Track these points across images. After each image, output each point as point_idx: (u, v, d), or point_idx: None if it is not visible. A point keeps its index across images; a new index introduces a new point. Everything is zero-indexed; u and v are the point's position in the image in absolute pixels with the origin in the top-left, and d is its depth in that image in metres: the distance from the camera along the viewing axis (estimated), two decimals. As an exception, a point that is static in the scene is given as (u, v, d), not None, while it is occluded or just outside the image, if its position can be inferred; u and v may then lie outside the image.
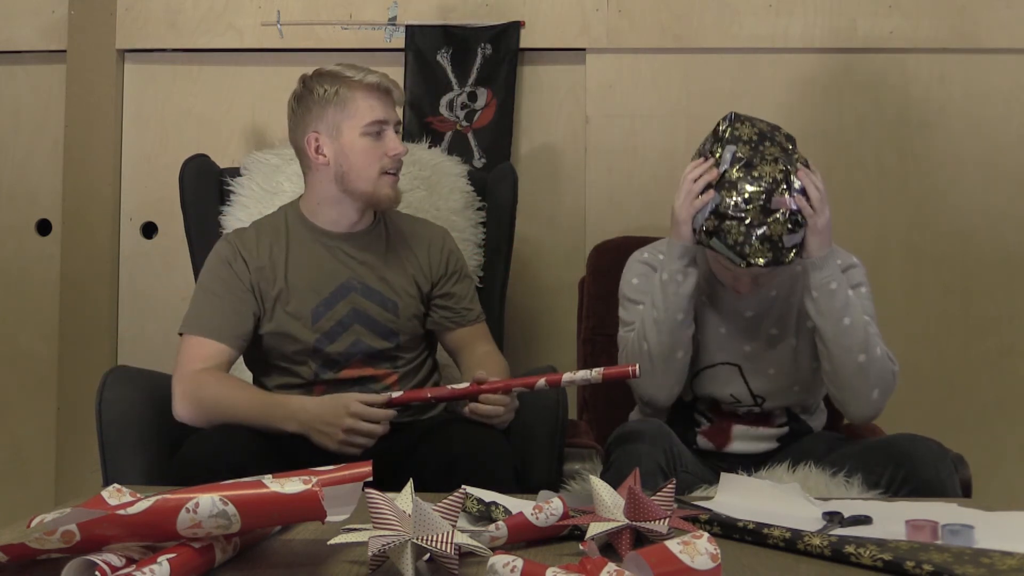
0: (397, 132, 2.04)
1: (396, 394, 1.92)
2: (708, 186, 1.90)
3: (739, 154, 1.90)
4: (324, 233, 2.07)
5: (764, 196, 1.86)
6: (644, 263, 2.09)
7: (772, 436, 2.09)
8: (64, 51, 2.83)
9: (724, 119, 1.95)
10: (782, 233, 1.86)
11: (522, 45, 2.76)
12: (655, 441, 1.86)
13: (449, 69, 2.77)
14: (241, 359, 2.08)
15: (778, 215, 1.86)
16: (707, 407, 2.10)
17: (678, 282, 1.96)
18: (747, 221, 1.85)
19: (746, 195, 1.86)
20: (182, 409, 1.91)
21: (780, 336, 2.06)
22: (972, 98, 2.72)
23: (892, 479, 1.86)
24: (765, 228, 1.85)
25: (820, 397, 2.14)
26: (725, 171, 1.89)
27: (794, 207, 1.86)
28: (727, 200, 1.87)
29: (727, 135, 1.93)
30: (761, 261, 1.86)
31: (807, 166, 1.93)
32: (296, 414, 1.86)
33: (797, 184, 1.87)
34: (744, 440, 2.08)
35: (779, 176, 1.87)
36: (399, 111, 2.07)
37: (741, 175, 1.88)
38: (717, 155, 1.92)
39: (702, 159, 1.94)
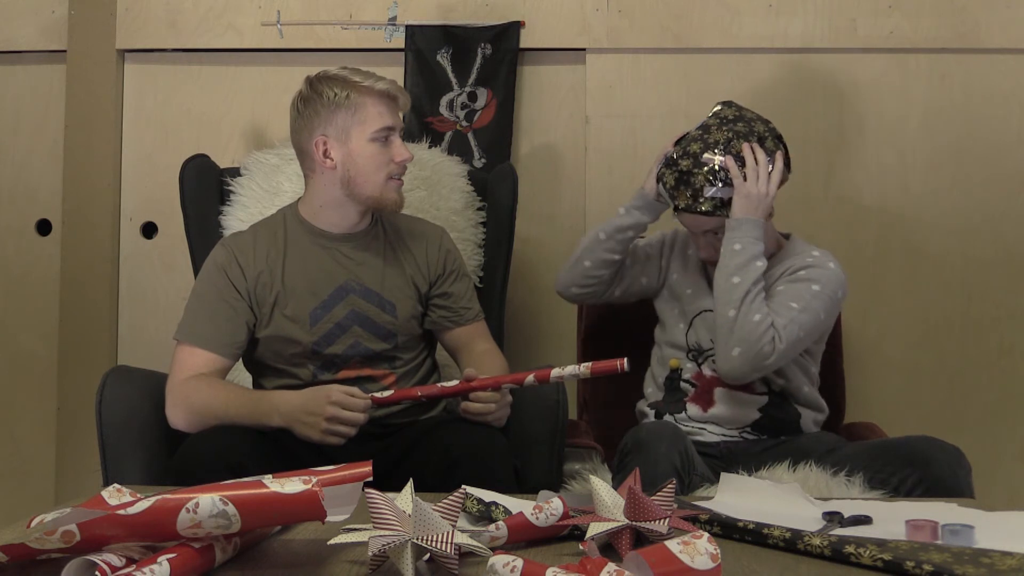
0: (401, 138, 2.05)
1: (387, 393, 1.93)
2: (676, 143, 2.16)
3: (707, 122, 2.14)
4: (322, 235, 2.07)
5: (700, 150, 2.08)
6: (659, 235, 2.34)
7: (752, 404, 2.13)
8: (64, 51, 2.83)
9: (719, 102, 2.19)
10: (703, 184, 2.06)
11: (522, 45, 2.76)
12: (672, 444, 1.88)
13: (449, 69, 2.77)
14: (240, 361, 2.08)
15: (704, 168, 2.06)
16: (693, 374, 2.17)
17: (619, 214, 2.23)
18: (680, 168, 2.09)
19: (688, 148, 2.10)
20: (175, 417, 1.93)
21: None
22: (972, 98, 2.72)
23: (904, 480, 1.86)
24: (692, 178, 2.07)
25: (801, 383, 2.16)
26: (688, 131, 2.15)
27: (722, 165, 2.05)
28: (675, 152, 2.12)
29: (711, 112, 2.17)
30: (681, 205, 2.10)
31: (771, 152, 2.07)
32: (279, 407, 1.87)
33: (737, 150, 2.06)
34: (725, 403, 2.14)
35: (721, 139, 2.08)
36: (402, 116, 2.09)
37: (696, 135, 2.12)
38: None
39: None
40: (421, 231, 2.16)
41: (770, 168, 2.06)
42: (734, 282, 2.02)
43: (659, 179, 2.14)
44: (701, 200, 2.07)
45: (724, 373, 2.05)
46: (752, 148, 2.06)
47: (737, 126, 2.09)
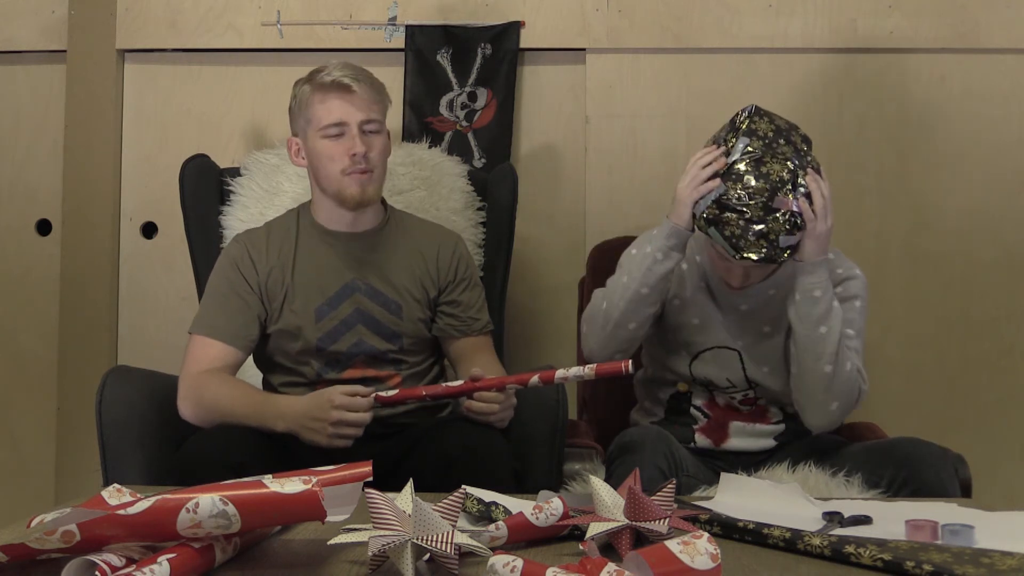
0: (370, 131, 1.99)
1: (391, 392, 1.92)
2: (715, 175, 1.91)
3: (751, 147, 1.90)
4: (330, 233, 2.07)
5: (768, 193, 1.87)
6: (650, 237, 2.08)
7: (769, 433, 2.09)
8: (64, 51, 2.83)
9: (744, 110, 1.96)
10: (780, 232, 1.87)
11: (522, 45, 2.76)
12: (656, 448, 1.87)
13: (449, 69, 2.77)
14: (251, 357, 2.09)
15: (778, 215, 1.87)
16: (704, 401, 2.10)
17: (657, 259, 1.97)
18: (747, 216, 1.87)
19: (751, 190, 1.87)
20: (184, 409, 1.94)
21: (772, 334, 2.06)
22: (972, 98, 2.72)
23: (892, 480, 1.87)
24: (763, 225, 1.87)
25: None
26: (734, 162, 1.90)
27: (796, 209, 1.88)
28: (731, 192, 1.88)
29: (743, 127, 1.93)
30: (753, 256, 1.88)
31: (818, 171, 1.93)
32: (284, 413, 1.87)
33: (803, 188, 1.89)
34: (741, 436, 2.08)
35: (786, 176, 1.88)
36: (371, 110, 2.00)
37: (749, 169, 1.89)
38: (730, 144, 1.92)
39: (714, 146, 1.95)
40: (436, 235, 2.15)
41: (824, 193, 1.91)
42: (822, 332, 1.91)
43: (711, 222, 1.90)
44: (778, 250, 1.88)
45: (817, 426, 1.99)
46: (816, 182, 1.90)
47: (784, 149, 1.90)
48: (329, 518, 1.22)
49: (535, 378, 1.85)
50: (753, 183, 1.87)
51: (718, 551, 1.11)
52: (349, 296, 2.03)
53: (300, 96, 2.02)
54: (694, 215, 1.93)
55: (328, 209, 2.06)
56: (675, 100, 2.77)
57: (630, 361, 1.82)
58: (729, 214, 1.88)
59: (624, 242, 2.55)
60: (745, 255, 1.88)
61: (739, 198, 1.87)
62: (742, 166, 1.89)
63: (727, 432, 2.08)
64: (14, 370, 2.89)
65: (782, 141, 1.92)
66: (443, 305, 2.10)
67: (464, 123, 2.76)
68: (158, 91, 2.87)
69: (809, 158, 1.93)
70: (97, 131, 2.83)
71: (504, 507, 1.42)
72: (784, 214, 1.87)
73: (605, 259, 2.53)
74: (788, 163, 1.89)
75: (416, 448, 1.91)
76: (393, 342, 2.04)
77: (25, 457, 2.88)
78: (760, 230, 1.87)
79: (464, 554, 1.21)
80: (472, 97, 2.76)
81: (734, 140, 1.92)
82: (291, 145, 2.06)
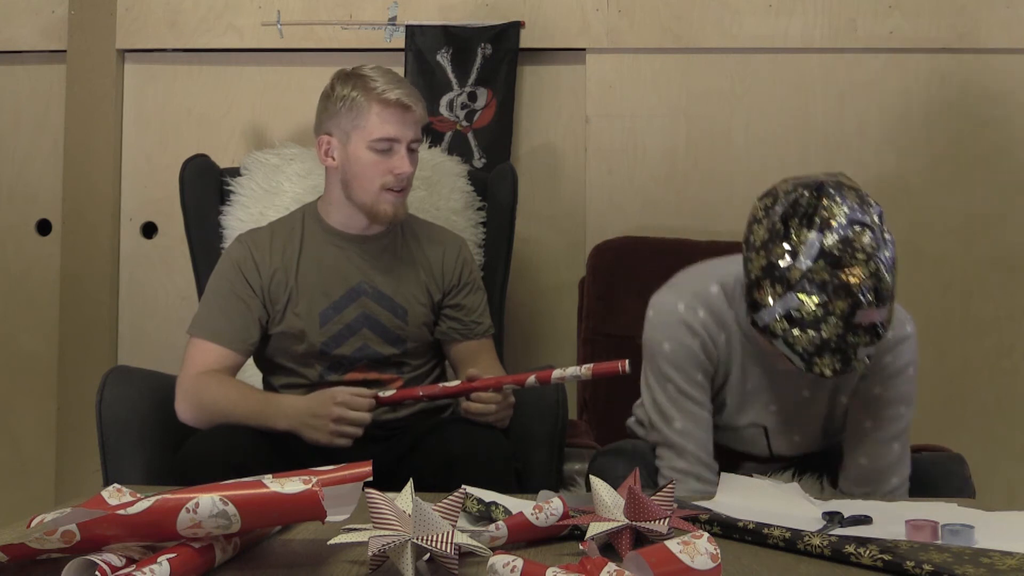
0: (413, 150, 2.00)
1: (388, 392, 1.92)
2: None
3: (827, 244, 1.57)
4: (337, 235, 2.06)
5: (850, 308, 1.56)
6: (683, 325, 1.78)
7: (780, 468, 1.97)
8: (64, 51, 2.83)
9: (812, 193, 1.61)
10: (859, 346, 1.59)
11: (522, 45, 2.76)
12: (631, 460, 1.82)
13: (449, 69, 2.77)
14: (252, 358, 2.08)
15: (861, 330, 1.58)
16: (719, 451, 1.89)
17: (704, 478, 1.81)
18: (823, 334, 1.57)
19: (829, 306, 1.57)
20: (183, 412, 1.93)
21: (811, 400, 1.85)
22: (972, 98, 2.72)
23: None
24: (843, 343, 1.58)
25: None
26: (808, 267, 1.57)
27: (879, 320, 1.59)
28: (806, 306, 1.57)
29: (815, 217, 1.59)
30: (828, 372, 1.60)
31: (894, 246, 1.68)
32: (286, 411, 1.87)
33: (887, 291, 1.60)
34: (751, 471, 1.92)
35: (869, 282, 1.57)
36: (418, 128, 2.01)
37: (827, 277, 1.56)
38: (798, 238, 1.59)
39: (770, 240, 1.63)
40: (440, 239, 2.14)
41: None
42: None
43: (778, 336, 1.60)
44: (855, 362, 1.60)
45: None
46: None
47: (863, 241, 1.59)
48: (329, 518, 1.22)
49: (532, 378, 1.85)
50: (833, 297, 1.57)
51: (718, 551, 1.11)
52: (355, 300, 2.02)
53: (352, 101, 1.96)
54: (754, 322, 1.64)
55: (346, 212, 2.04)
56: (675, 100, 2.77)
57: (627, 361, 1.80)
58: (801, 331, 1.58)
59: (624, 242, 2.57)
60: (817, 371, 1.60)
61: (814, 315, 1.57)
62: (819, 270, 1.57)
63: (737, 468, 1.91)
64: (14, 370, 2.90)
65: (858, 228, 1.59)
66: (447, 309, 2.10)
67: (464, 123, 2.76)
68: (158, 91, 2.87)
69: (888, 236, 1.65)
70: (97, 131, 2.83)
71: (504, 507, 1.42)
72: (867, 328, 1.59)
73: (605, 259, 2.53)
74: (870, 263, 1.58)
75: (417, 448, 1.91)
76: (397, 346, 2.04)
77: (25, 457, 2.88)
78: (839, 347, 1.58)
79: (464, 554, 1.21)
80: (472, 97, 2.76)
81: (804, 233, 1.59)
82: (321, 143, 2.01)
